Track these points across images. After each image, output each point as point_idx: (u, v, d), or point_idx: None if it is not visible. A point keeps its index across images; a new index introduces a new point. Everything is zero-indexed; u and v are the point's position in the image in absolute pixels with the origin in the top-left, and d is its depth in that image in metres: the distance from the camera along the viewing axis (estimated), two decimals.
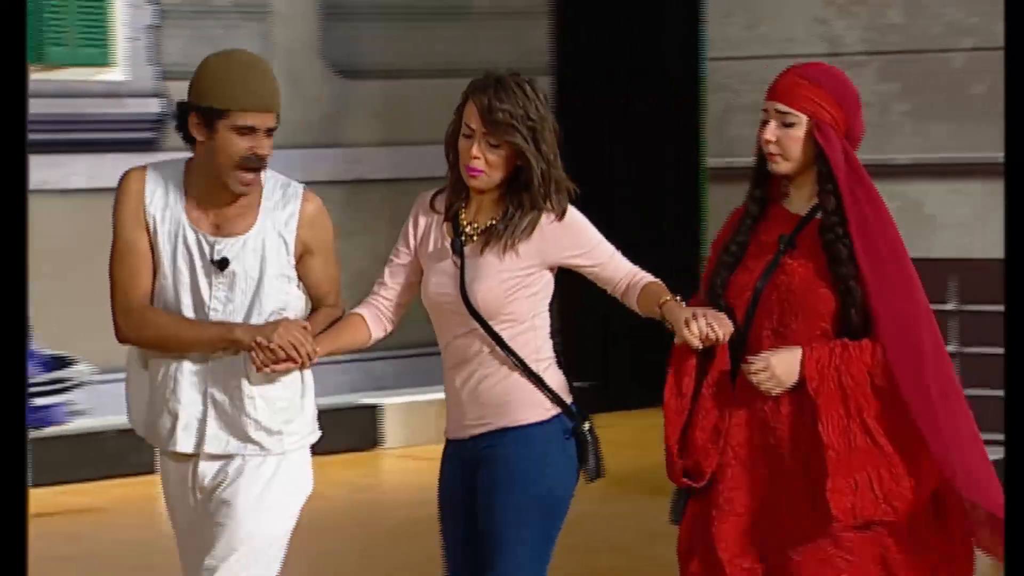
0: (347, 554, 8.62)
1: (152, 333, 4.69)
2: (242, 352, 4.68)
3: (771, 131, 4.55)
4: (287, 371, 4.70)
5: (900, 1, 9.67)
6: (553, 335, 4.86)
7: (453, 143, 4.74)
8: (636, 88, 12.95)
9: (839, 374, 4.45)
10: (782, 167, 4.57)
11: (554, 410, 4.77)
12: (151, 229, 4.69)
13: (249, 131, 4.58)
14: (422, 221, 4.83)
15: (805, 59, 5.21)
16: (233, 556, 4.72)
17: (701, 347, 4.50)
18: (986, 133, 9.02)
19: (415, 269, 4.84)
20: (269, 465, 4.77)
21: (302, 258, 4.80)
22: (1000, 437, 4.44)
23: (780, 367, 4.48)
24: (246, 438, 4.75)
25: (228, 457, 4.76)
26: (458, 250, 4.74)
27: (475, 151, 4.67)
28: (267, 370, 4.63)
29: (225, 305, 4.71)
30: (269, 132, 4.65)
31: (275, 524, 4.78)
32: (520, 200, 4.71)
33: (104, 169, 11.12)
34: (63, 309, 9.79)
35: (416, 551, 8.05)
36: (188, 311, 4.70)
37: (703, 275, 4.77)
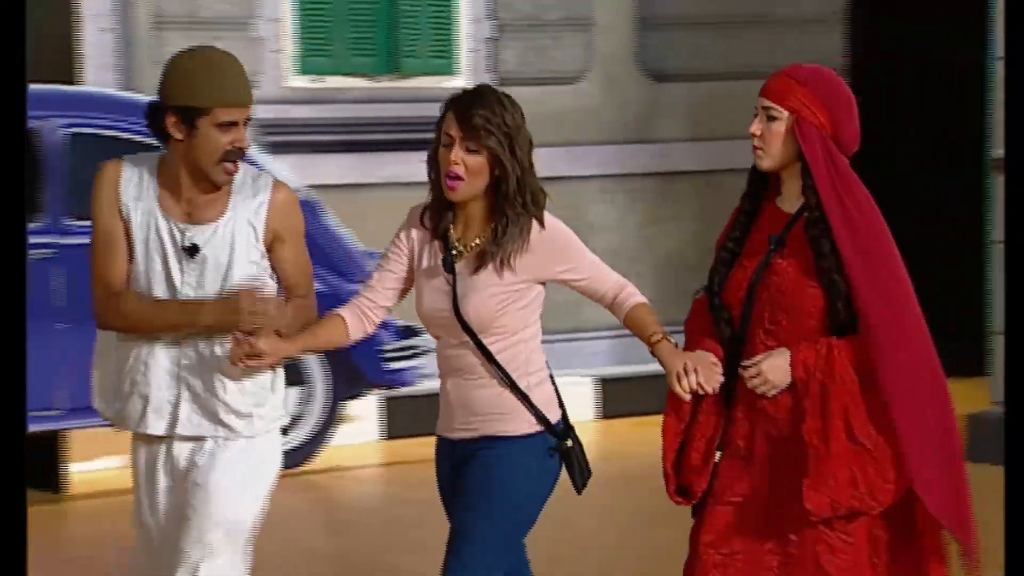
0: None
1: (130, 319, 4.44)
2: (214, 335, 4.46)
3: (756, 125, 4.33)
4: (259, 368, 4.47)
5: None
6: None
7: (434, 159, 4.48)
8: (925, 84, 12.78)
9: (822, 375, 4.24)
10: (764, 162, 4.34)
11: (539, 426, 4.54)
12: (125, 217, 4.45)
13: (230, 126, 4.36)
14: (415, 235, 4.58)
15: None
16: (208, 537, 4.48)
17: (689, 399, 4.32)
18: None
19: (405, 278, 4.60)
20: (239, 448, 4.54)
21: (272, 247, 4.55)
22: None
23: (771, 372, 4.26)
24: (217, 420, 4.51)
25: (200, 439, 4.53)
26: (450, 267, 4.48)
27: (454, 156, 4.39)
28: (241, 365, 4.37)
29: (196, 291, 4.45)
30: (246, 124, 4.44)
31: (247, 507, 4.53)
32: (505, 215, 4.43)
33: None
34: None
35: None
36: (161, 296, 4.47)
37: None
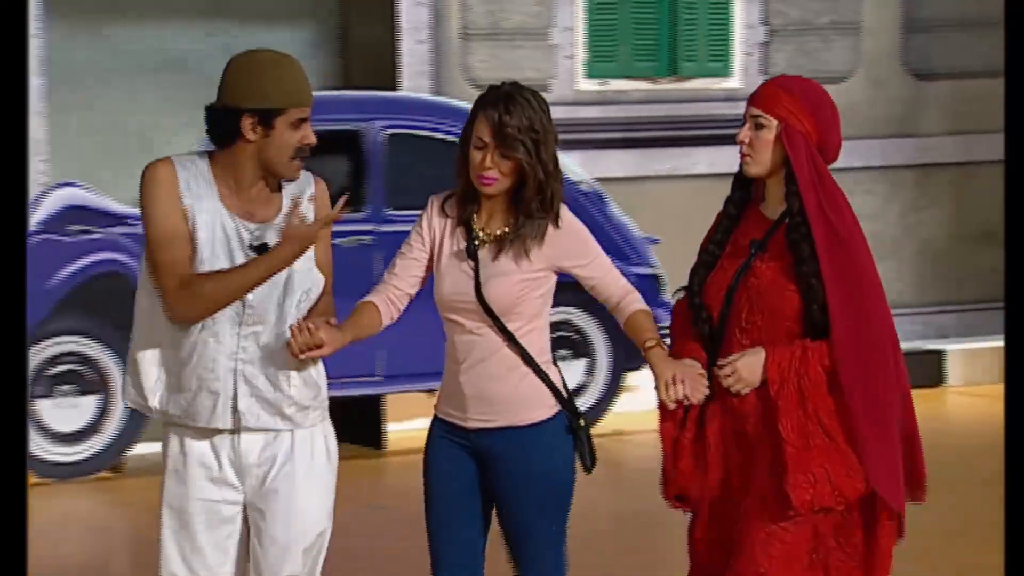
0: None
1: (208, 300, 4.06)
2: (276, 331, 4.15)
3: (744, 132, 4.14)
4: (317, 358, 4.16)
5: None
6: None
7: (465, 153, 4.32)
8: None
9: (798, 376, 4.05)
10: (751, 168, 4.14)
11: (556, 407, 4.36)
12: (187, 216, 4.11)
13: (301, 123, 4.12)
14: (436, 223, 4.41)
15: None
16: (292, 532, 4.20)
17: (675, 407, 4.18)
18: None
19: (426, 266, 4.41)
20: (307, 440, 4.24)
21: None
22: None
23: (745, 370, 4.07)
24: (281, 414, 4.19)
25: (265, 432, 4.19)
26: (472, 254, 4.32)
27: (488, 162, 4.25)
28: (302, 356, 4.08)
29: (261, 288, 4.13)
30: (309, 120, 4.19)
31: (324, 499, 4.26)
32: (528, 209, 4.30)
33: (721, 158, 11.44)
34: None
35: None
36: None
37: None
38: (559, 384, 4.37)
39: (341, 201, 4.13)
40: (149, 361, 4.16)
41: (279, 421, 4.17)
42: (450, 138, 9.25)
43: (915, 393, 4.31)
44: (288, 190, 4.20)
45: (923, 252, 11.89)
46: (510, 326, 4.29)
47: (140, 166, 4.10)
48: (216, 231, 4.11)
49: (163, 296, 4.07)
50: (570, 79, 11.51)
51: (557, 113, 12.90)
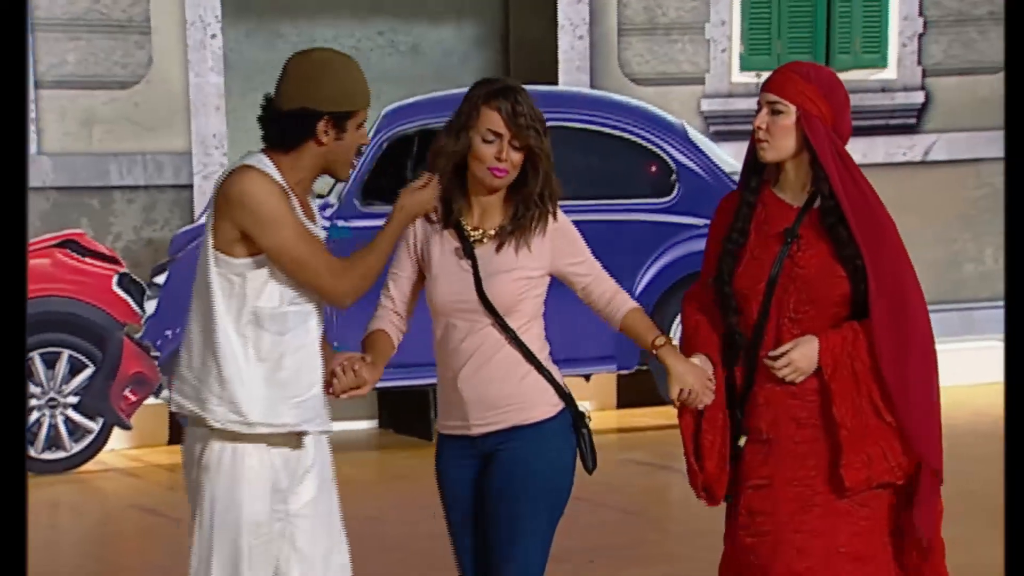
0: None
1: (367, 274, 4.03)
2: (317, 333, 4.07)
3: (761, 118, 4.10)
4: (355, 397, 4.11)
5: None
6: None
7: (451, 153, 4.19)
8: None
9: (851, 360, 4.04)
10: (769, 154, 4.10)
11: (560, 405, 4.25)
12: None
13: (362, 124, 4.05)
14: (420, 232, 4.25)
15: None
16: (337, 531, 4.17)
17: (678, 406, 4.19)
18: None
19: (416, 280, 4.27)
20: (325, 441, 4.17)
21: None
22: None
23: (802, 360, 4.05)
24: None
25: (314, 435, 4.12)
26: (469, 253, 4.19)
27: (503, 155, 4.14)
28: (344, 397, 4.05)
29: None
30: None
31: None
32: (531, 200, 4.19)
33: (875, 149, 11.57)
34: None
35: None
36: (313, 301, 4.06)
37: (704, 267, 4.28)
38: (561, 382, 4.25)
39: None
40: (244, 376, 3.95)
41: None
42: (605, 130, 9.51)
43: None
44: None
45: None
46: (512, 324, 4.17)
47: None
48: None
49: (324, 286, 3.96)
50: (725, 72, 11.65)
51: (712, 105, 13.14)
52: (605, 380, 10.32)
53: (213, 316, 3.96)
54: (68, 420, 8.87)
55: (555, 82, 11.23)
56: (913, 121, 11.90)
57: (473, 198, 4.22)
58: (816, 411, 4.10)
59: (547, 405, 4.23)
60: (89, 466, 8.85)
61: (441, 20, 11.82)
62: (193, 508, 4.01)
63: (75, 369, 8.86)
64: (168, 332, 8.89)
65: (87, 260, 9.02)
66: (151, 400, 8.99)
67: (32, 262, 8.83)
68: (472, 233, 4.21)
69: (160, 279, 9.06)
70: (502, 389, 4.19)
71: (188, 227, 9.68)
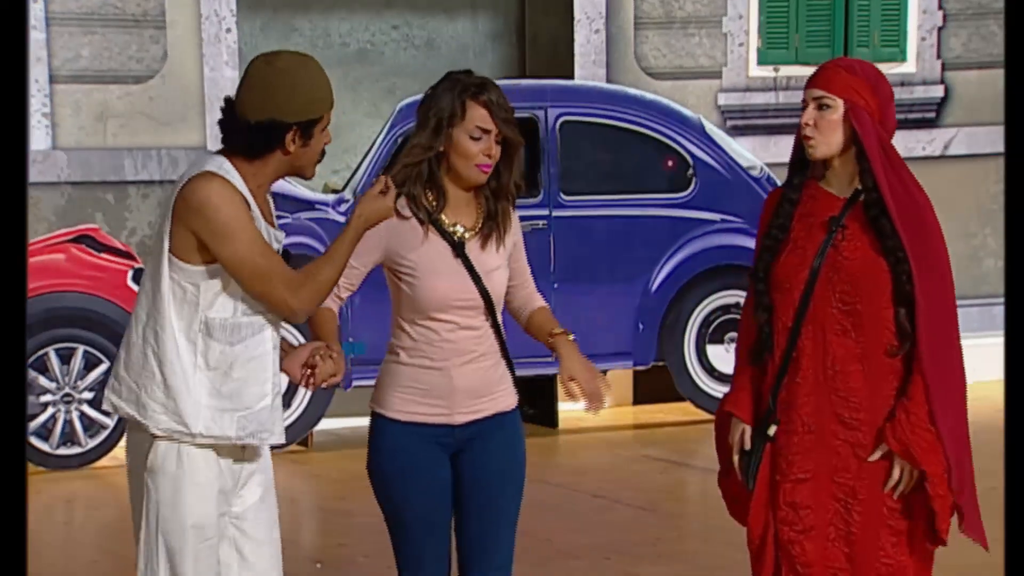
0: None
1: (324, 285, 3.93)
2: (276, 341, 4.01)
3: (808, 115, 4.09)
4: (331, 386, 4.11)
5: None
6: None
7: (429, 149, 4.16)
8: None
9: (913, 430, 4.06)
10: (819, 150, 4.09)
11: (517, 395, 4.33)
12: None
13: (327, 125, 3.99)
14: (396, 227, 4.18)
15: None
16: (276, 533, 4.12)
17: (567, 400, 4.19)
18: None
19: (367, 274, 4.25)
20: (267, 447, 4.12)
21: None
22: None
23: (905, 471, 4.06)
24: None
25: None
26: (460, 251, 4.18)
27: (492, 150, 4.15)
28: (324, 386, 4.04)
29: None
30: None
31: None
32: (497, 192, 4.21)
33: (895, 143, 11.52)
34: None
35: None
36: (269, 312, 3.98)
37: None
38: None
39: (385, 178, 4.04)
40: (191, 384, 3.88)
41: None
42: (621, 124, 9.50)
43: None
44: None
45: None
46: (497, 317, 4.23)
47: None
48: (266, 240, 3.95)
49: (279, 301, 3.87)
50: (742, 66, 11.64)
51: (729, 100, 13.12)
52: (622, 376, 10.32)
53: (163, 322, 3.88)
54: (83, 416, 8.90)
55: (571, 76, 11.24)
56: (933, 115, 11.88)
57: (449, 193, 4.20)
58: (859, 413, 4.09)
59: (513, 395, 4.30)
60: (104, 462, 8.94)
61: (456, 14, 11.82)
62: (138, 509, 3.96)
63: (90, 364, 8.87)
64: None
65: (102, 255, 9.03)
66: None
67: (47, 257, 8.86)
68: (455, 230, 4.19)
69: None
70: (490, 377, 4.22)
71: None
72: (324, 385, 4.01)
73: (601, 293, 9.30)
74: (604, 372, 9.75)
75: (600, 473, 8.58)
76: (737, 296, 9.44)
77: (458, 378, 4.19)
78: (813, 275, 4.09)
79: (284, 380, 4.08)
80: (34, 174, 10.00)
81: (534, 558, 6.59)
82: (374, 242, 4.17)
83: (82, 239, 9.09)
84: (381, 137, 9.26)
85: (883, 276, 4.06)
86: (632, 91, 10.02)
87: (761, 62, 11.62)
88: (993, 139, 11.88)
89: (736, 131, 11.18)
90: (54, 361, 8.82)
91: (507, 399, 4.28)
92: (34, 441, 8.74)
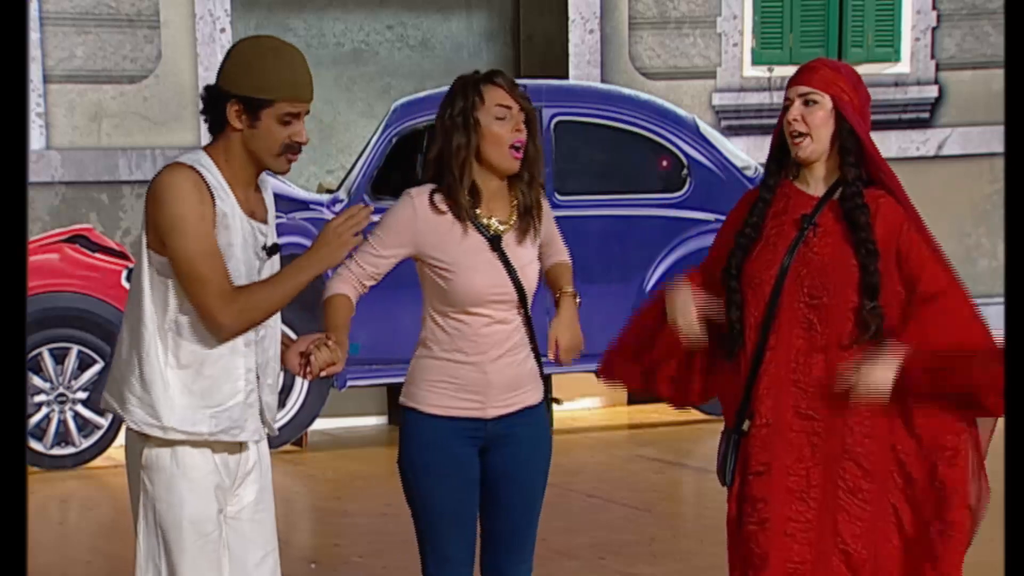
0: None
1: (260, 309, 3.82)
2: (272, 335, 3.97)
3: (795, 111, 4.06)
4: (330, 375, 4.05)
5: None
6: None
7: (466, 147, 4.15)
8: None
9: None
10: (807, 149, 4.07)
11: (543, 388, 4.35)
12: (223, 225, 3.83)
13: (292, 119, 3.83)
14: (426, 223, 4.18)
15: None
16: (272, 536, 4.06)
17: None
18: None
19: (394, 264, 4.25)
20: (266, 446, 4.10)
21: None
22: None
23: (872, 382, 4.02)
24: (273, 418, 4.05)
25: (259, 441, 4.03)
26: (496, 247, 4.17)
27: (519, 125, 4.14)
28: (323, 375, 3.99)
29: None
30: (303, 117, 3.90)
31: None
32: (525, 182, 4.21)
33: (888, 143, 11.56)
34: None
35: None
36: None
37: (710, 253, 4.32)
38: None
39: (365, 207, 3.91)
40: (167, 379, 3.84)
41: (274, 426, 4.04)
42: (616, 124, 9.51)
43: None
44: (264, 192, 4.01)
45: None
46: (529, 311, 4.25)
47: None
48: (244, 235, 3.88)
49: (207, 311, 3.79)
50: (736, 66, 11.67)
51: (723, 100, 13.15)
52: None
53: (142, 317, 3.87)
54: (77, 416, 8.90)
55: (566, 76, 11.26)
56: (926, 115, 11.90)
57: (483, 188, 4.19)
58: (817, 404, 4.09)
59: (540, 389, 4.32)
60: (98, 462, 8.92)
61: (451, 14, 11.84)
62: (136, 507, 3.94)
63: (84, 364, 8.87)
64: None
65: (96, 255, 9.03)
66: None
67: (41, 257, 8.86)
68: (491, 224, 4.19)
69: None
70: (520, 372, 4.24)
71: None
72: (323, 374, 3.96)
73: (596, 293, 9.30)
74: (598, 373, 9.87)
75: (595, 473, 8.58)
76: None
77: (492, 372, 4.20)
78: (783, 272, 4.09)
79: (281, 377, 4.07)
80: (28, 174, 9.99)
81: None
82: (407, 236, 4.19)
83: (76, 239, 9.09)
84: (376, 137, 9.27)
85: (851, 268, 4.05)
86: (626, 91, 10.03)
87: (755, 62, 11.65)
88: (987, 139, 11.91)
89: (730, 131, 11.19)
90: (48, 361, 8.82)
91: (536, 393, 4.30)
92: (28, 441, 8.74)
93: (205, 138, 11.52)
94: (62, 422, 8.86)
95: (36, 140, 10.41)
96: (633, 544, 7.09)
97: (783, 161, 4.14)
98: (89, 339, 8.83)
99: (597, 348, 9.28)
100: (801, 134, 4.07)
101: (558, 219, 4.46)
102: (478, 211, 4.18)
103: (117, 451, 9.28)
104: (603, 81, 11.21)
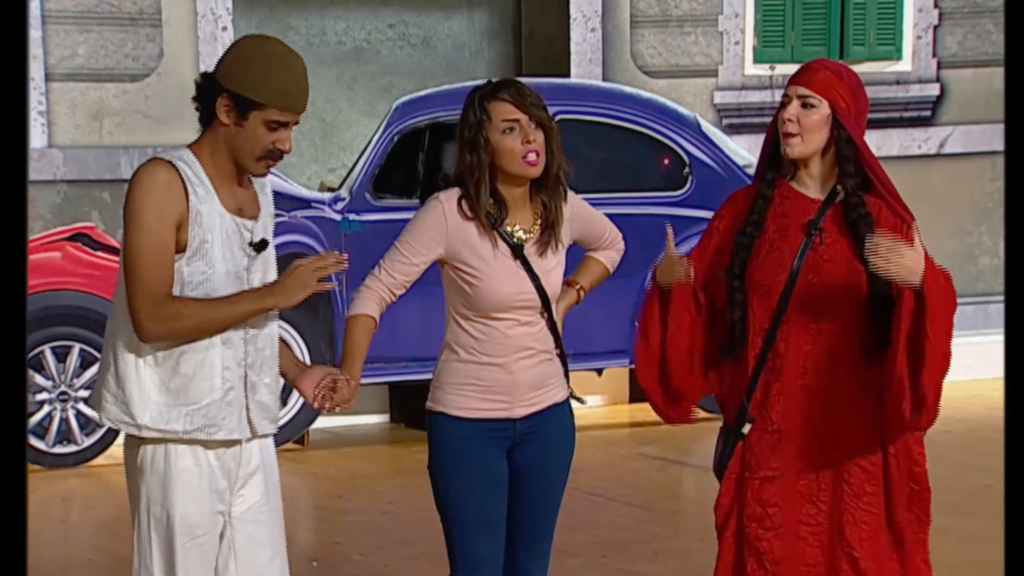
0: None
1: (187, 323, 3.76)
2: (268, 333, 3.94)
3: (792, 111, 4.06)
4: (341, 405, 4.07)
5: None
6: None
7: (480, 165, 4.18)
8: None
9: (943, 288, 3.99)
10: (797, 149, 4.07)
11: (567, 385, 4.41)
12: (196, 222, 3.78)
13: (279, 126, 3.79)
14: (456, 228, 4.22)
15: None
16: (279, 536, 4.04)
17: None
18: None
19: (423, 272, 4.28)
20: (270, 446, 4.06)
21: None
22: None
23: (905, 262, 3.89)
24: (272, 419, 4.00)
25: (261, 439, 3.99)
26: (520, 254, 4.22)
27: (530, 136, 4.16)
28: (338, 409, 4.05)
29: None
30: (291, 127, 3.86)
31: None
32: (547, 189, 4.26)
33: (890, 142, 11.57)
34: None
35: None
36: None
37: (694, 251, 4.30)
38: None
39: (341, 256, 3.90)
40: (141, 376, 3.81)
41: (270, 426, 3.98)
42: (617, 123, 9.51)
43: None
44: (258, 188, 3.97)
45: None
46: (553, 314, 4.30)
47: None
48: (226, 232, 3.83)
49: (133, 309, 3.74)
50: (738, 64, 11.67)
51: (725, 98, 13.14)
52: (617, 374, 10.33)
53: (118, 313, 3.84)
54: (79, 414, 8.91)
55: (567, 75, 11.26)
56: (928, 113, 11.89)
57: (506, 198, 4.23)
58: (826, 408, 4.11)
59: (564, 386, 4.39)
60: (100, 460, 8.94)
61: (452, 12, 11.84)
62: (132, 509, 3.94)
63: (86, 363, 8.88)
64: None
65: (98, 253, 9.04)
66: None
67: (43, 256, 8.87)
68: (513, 231, 4.23)
69: None
70: (545, 372, 4.30)
71: None
72: (337, 410, 4.05)
73: (597, 291, 9.26)
74: (599, 371, 9.89)
75: (596, 471, 8.59)
76: None
77: (518, 372, 4.25)
78: (792, 279, 4.09)
79: (282, 378, 4.08)
80: (30, 172, 9.99)
81: None
82: (439, 239, 4.22)
83: (78, 237, 9.11)
84: (377, 135, 9.27)
85: (860, 279, 4.04)
86: (628, 89, 10.04)
87: (757, 60, 11.65)
88: (989, 137, 11.91)
89: (732, 129, 11.19)
90: (50, 359, 8.83)
91: (561, 390, 4.36)
92: (30, 439, 8.74)
93: None
94: (64, 420, 8.88)
95: (38, 138, 10.42)
96: (634, 542, 7.11)
97: (778, 159, 4.15)
98: (91, 337, 8.83)
99: (596, 345, 9.36)
100: (792, 134, 4.07)
101: None
102: (502, 220, 4.22)
103: (119, 449, 9.21)
104: (605, 79, 11.21)
